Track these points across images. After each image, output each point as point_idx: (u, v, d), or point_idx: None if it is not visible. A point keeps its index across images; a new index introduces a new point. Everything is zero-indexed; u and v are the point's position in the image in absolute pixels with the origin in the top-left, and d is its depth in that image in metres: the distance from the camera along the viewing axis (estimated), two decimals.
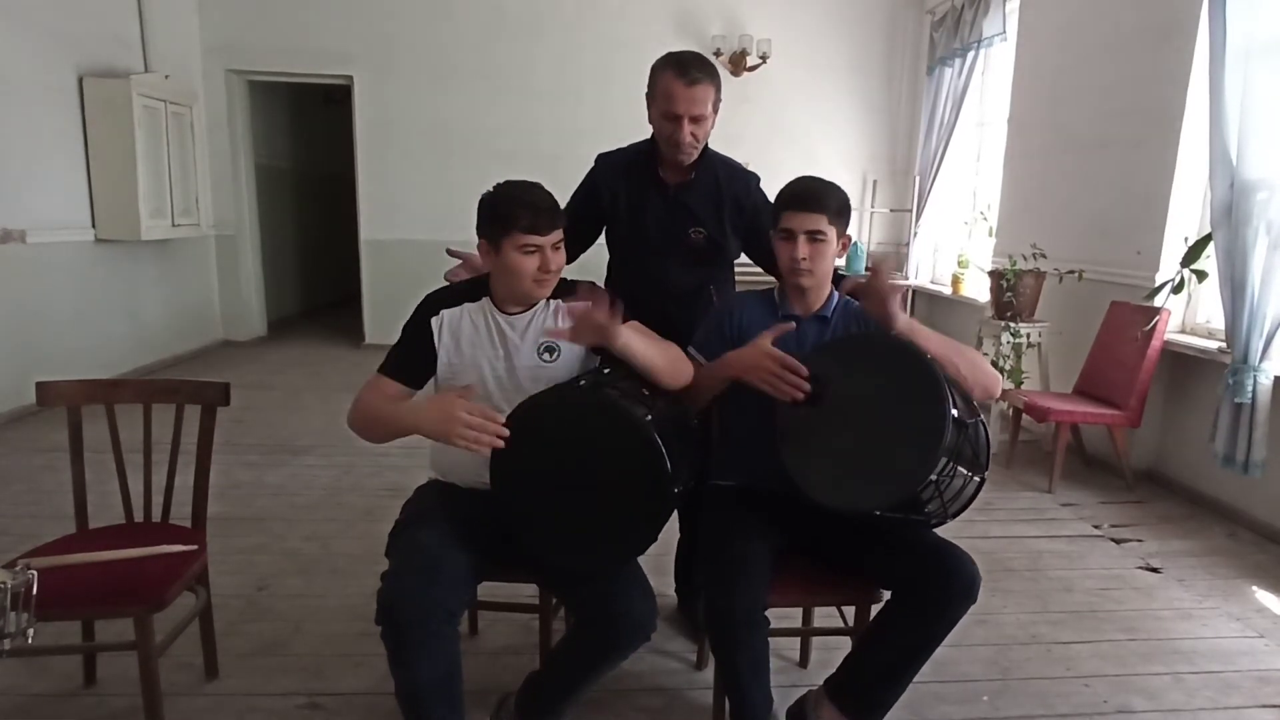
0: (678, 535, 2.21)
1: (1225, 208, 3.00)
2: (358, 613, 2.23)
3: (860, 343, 1.65)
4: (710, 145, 1.98)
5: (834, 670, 1.66)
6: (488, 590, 1.81)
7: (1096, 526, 3.10)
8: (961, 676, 2.05)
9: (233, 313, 6.35)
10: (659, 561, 2.08)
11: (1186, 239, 3.38)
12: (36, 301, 4.28)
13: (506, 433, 1.39)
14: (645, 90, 1.92)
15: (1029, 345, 3.99)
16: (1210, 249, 3.13)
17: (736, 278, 2.18)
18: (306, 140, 7.91)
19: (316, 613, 2.27)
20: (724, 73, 4.96)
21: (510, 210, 1.55)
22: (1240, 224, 2.94)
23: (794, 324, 1.67)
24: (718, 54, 5.82)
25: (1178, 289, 3.34)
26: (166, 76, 5.25)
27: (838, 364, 1.56)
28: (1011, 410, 3.82)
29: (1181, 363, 3.47)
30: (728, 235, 2.02)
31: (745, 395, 1.67)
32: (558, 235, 1.60)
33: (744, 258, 2.13)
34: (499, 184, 1.61)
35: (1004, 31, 4.83)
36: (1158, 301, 3.37)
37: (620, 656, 1.52)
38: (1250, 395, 2.89)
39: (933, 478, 1.39)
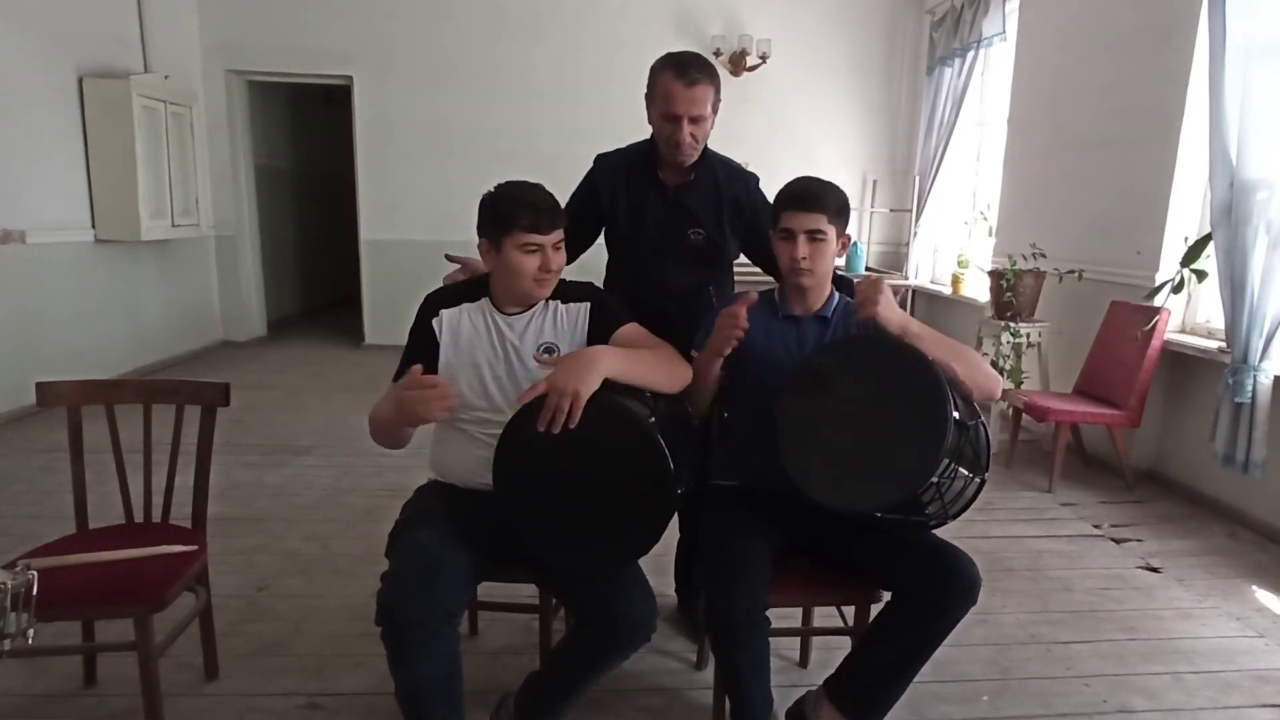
0: (678, 535, 2.21)
1: (1225, 207, 3.00)
2: (358, 613, 2.23)
3: (861, 343, 1.65)
4: (710, 145, 1.98)
5: (834, 670, 1.66)
6: (488, 590, 1.82)
7: (1096, 526, 3.10)
8: (961, 676, 2.05)
9: (232, 313, 6.35)
10: (659, 561, 2.08)
11: (1186, 239, 3.38)
12: (36, 302, 4.28)
13: (450, 391, 1.44)
14: (645, 90, 1.92)
15: (1029, 345, 3.99)
16: (1210, 249, 3.13)
17: (736, 278, 2.17)
18: (306, 140, 7.91)
19: (316, 613, 2.27)
20: (724, 73, 4.96)
21: (511, 210, 1.55)
22: (1240, 224, 2.94)
23: (756, 296, 1.68)
24: (717, 54, 5.82)
25: (1177, 289, 3.34)
26: (166, 77, 5.25)
27: (838, 364, 1.56)
28: (1011, 410, 3.82)
29: (1181, 362, 3.47)
30: (727, 236, 2.02)
31: (745, 395, 1.67)
32: (558, 235, 1.60)
33: (743, 258, 2.13)
34: (500, 184, 1.61)
35: (1004, 31, 4.83)
36: (1158, 301, 3.37)
37: (620, 656, 1.52)
38: (1250, 395, 2.89)
39: (934, 479, 1.39)
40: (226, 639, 2.04)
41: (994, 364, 3.81)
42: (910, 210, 6.05)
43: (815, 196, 1.65)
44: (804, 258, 1.64)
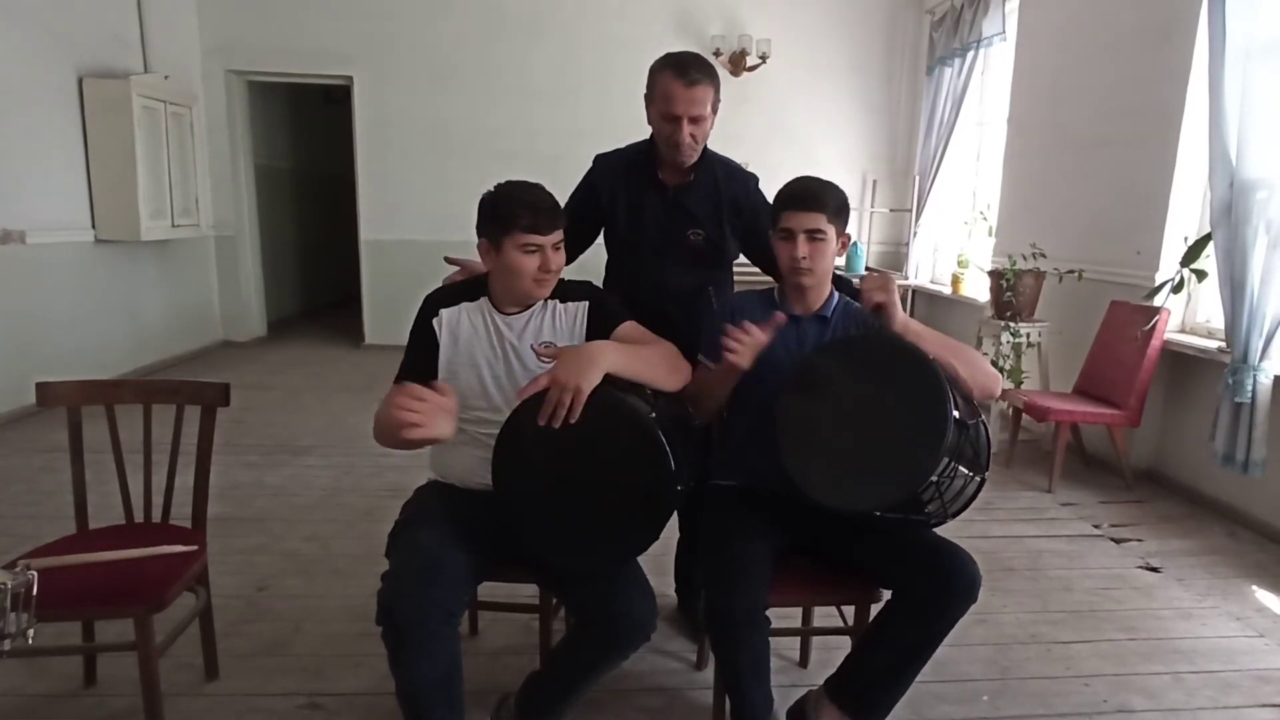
0: (678, 535, 2.21)
1: (1225, 207, 3.00)
2: (358, 613, 2.23)
3: (861, 343, 1.65)
4: (710, 145, 1.98)
5: (834, 670, 1.66)
6: (488, 590, 1.82)
7: (1096, 526, 3.10)
8: (961, 676, 2.05)
9: (232, 313, 6.35)
10: (659, 561, 2.08)
11: (1186, 238, 3.38)
12: (36, 302, 4.28)
13: (425, 401, 1.38)
14: (645, 91, 1.92)
15: (1029, 345, 3.99)
16: (1210, 248, 3.13)
17: (735, 279, 2.17)
18: (306, 140, 7.91)
19: (316, 613, 2.27)
20: (723, 73, 4.97)
21: (511, 210, 1.55)
22: (1240, 223, 2.94)
23: (785, 316, 1.67)
24: (717, 54, 5.82)
25: (1177, 288, 3.34)
26: (166, 77, 5.25)
27: (838, 363, 1.56)
28: (1011, 410, 3.82)
29: (1181, 362, 3.47)
30: (726, 236, 2.02)
31: (745, 395, 1.67)
32: (558, 235, 1.60)
33: (743, 258, 2.13)
34: (500, 184, 1.61)
35: (1003, 31, 4.83)
36: (1157, 301, 3.37)
37: (620, 656, 1.52)
38: (1250, 395, 2.89)
39: (934, 478, 1.39)
40: (226, 639, 2.04)
41: (994, 364, 3.80)
42: (910, 210, 6.05)
43: (815, 196, 1.65)
44: (804, 257, 1.64)
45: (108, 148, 4.71)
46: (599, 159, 2.07)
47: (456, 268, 1.92)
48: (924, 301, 6.21)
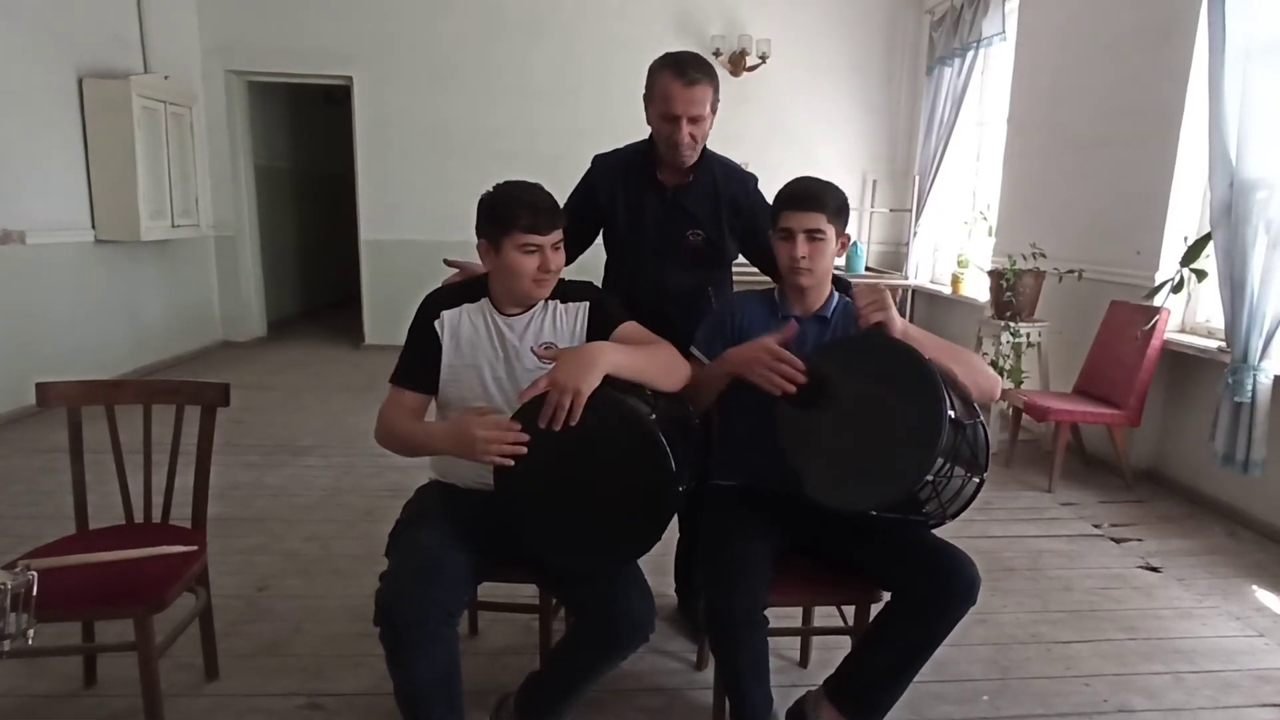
0: (678, 535, 2.21)
1: (1225, 207, 3.00)
2: (358, 613, 2.23)
3: (860, 343, 1.65)
4: (709, 146, 1.98)
5: (834, 670, 1.66)
6: (488, 590, 1.82)
7: (1096, 526, 3.10)
8: (961, 676, 2.05)
9: (232, 313, 6.35)
10: (659, 561, 2.08)
11: (1186, 238, 3.38)
12: (36, 302, 4.28)
13: (526, 438, 1.40)
14: (644, 91, 1.92)
15: (1029, 345, 3.98)
16: (1210, 248, 3.13)
17: (734, 279, 2.17)
18: (306, 141, 7.91)
19: (316, 613, 2.27)
20: (723, 73, 4.97)
21: (510, 210, 1.55)
22: (1239, 223, 2.94)
23: (796, 324, 1.67)
24: (717, 54, 5.82)
25: (1177, 288, 3.34)
26: (166, 77, 5.25)
27: (837, 364, 1.56)
28: (1011, 410, 3.82)
29: (1181, 362, 3.47)
30: (725, 237, 2.02)
31: (746, 395, 1.67)
32: (558, 235, 1.60)
33: (742, 259, 2.13)
34: (499, 184, 1.61)
35: (1003, 31, 4.83)
36: (1157, 301, 3.37)
37: (620, 657, 1.52)
38: (1250, 394, 2.89)
39: (929, 478, 1.39)
40: (226, 639, 2.04)
41: (994, 364, 3.81)
42: (910, 210, 6.04)
43: (814, 196, 1.65)
44: (803, 257, 1.64)
45: (108, 148, 4.71)
46: (598, 159, 2.07)
47: (456, 269, 1.91)
48: (924, 301, 6.21)
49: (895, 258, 6.40)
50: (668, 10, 5.96)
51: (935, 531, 1.59)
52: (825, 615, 2.05)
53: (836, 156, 6.20)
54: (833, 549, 1.67)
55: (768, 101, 6.04)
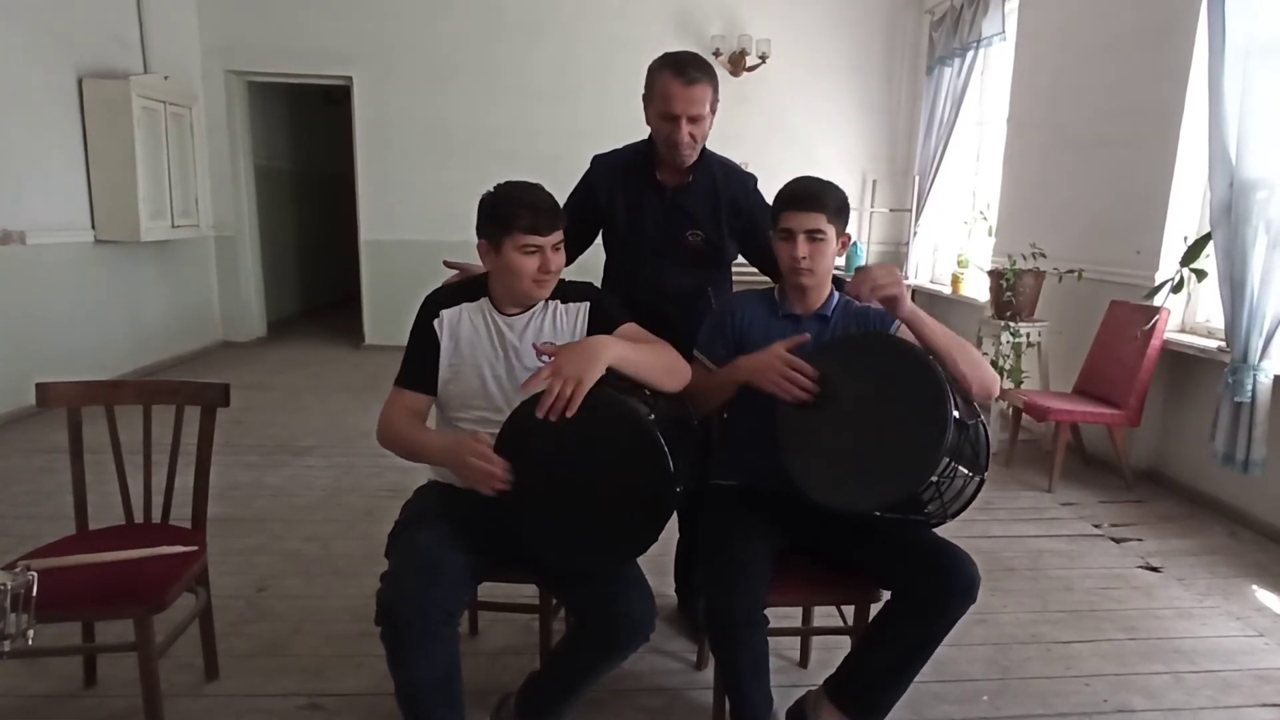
0: (678, 535, 2.21)
1: (1224, 207, 3.00)
2: (358, 613, 2.23)
3: (861, 343, 1.65)
4: (709, 146, 1.98)
5: (834, 670, 1.66)
6: (488, 590, 1.82)
7: (1096, 526, 3.10)
8: (961, 676, 2.05)
9: (232, 313, 6.35)
10: (659, 561, 2.08)
11: (1186, 238, 3.38)
12: (36, 303, 4.28)
13: (506, 479, 1.42)
14: (643, 91, 1.91)
15: (1029, 345, 3.99)
16: (1210, 248, 3.13)
17: (734, 279, 2.17)
18: (306, 141, 7.91)
19: (316, 613, 2.27)
20: (723, 73, 4.97)
21: (511, 210, 1.55)
22: (1239, 223, 2.94)
23: (808, 335, 1.66)
24: (717, 54, 5.82)
25: (1177, 288, 3.34)
26: (166, 77, 5.25)
27: (838, 364, 1.56)
28: (1011, 410, 3.82)
29: (1181, 362, 3.47)
30: (725, 237, 2.02)
31: (746, 395, 1.67)
32: (558, 236, 1.60)
33: (742, 259, 2.13)
34: (499, 184, 1.61)
35: (1003, 31, 4.83)
36: (1157, 301, 3.37)
37: (620, 657, 1.52)
38: (1250, 394, 2.89)
39: (933, 478, 1.39)
40: (226, 639, 2.04)
41: (994, 363, 3.81)
42: (910, 210, 6.05)
43: (814, 196, 1.65)
44: (804, 257, 1.64)
45: (107, 148, 4.71)
46: (597, 159, 2.07)
47: (456, 271, 1.91)
48: (924, 301, 6.19)
49: (895, 258, 6.40)
50: (668, 10, 5.97)
51: (935, 531, 1.59)
52: (825, 615, 2.05)
53: (836, 156, 6.20)
54: (833, 549, 1.67)
55: (767, 101, 6.04)
